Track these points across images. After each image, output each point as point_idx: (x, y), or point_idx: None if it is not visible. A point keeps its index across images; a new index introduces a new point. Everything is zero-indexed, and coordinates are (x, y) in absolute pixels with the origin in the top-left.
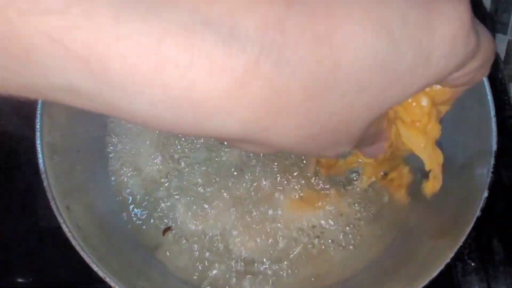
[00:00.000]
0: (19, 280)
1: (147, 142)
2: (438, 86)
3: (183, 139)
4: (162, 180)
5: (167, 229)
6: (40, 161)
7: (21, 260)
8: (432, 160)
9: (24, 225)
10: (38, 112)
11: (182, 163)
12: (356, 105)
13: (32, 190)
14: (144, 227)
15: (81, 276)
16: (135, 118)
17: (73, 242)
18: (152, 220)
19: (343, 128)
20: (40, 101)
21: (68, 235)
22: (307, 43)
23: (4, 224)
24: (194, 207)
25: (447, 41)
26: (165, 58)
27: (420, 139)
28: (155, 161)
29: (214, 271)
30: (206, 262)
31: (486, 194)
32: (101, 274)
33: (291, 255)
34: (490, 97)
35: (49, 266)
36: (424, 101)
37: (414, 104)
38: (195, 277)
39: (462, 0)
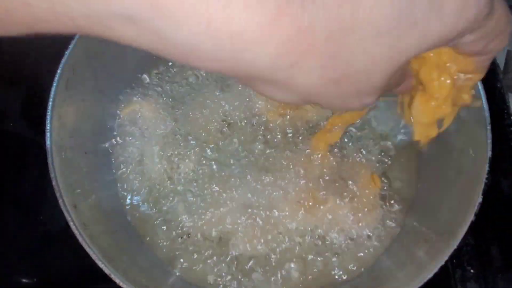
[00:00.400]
0: (24, 280)
1: (153, 142)
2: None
3: (189, 137)
4: (167, 181)
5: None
6: (50, 160)
7: (25, 261)
8: (424, 134)
9: (29, 226)
10: (48, 113)
11: (187, 165)
12: (374, 52)
13: (38, 191)
14: (148, 227)
15: (85, 276)
16: (179, 48)
17: (80, 239)
18: (156, 222)
19: (364, 76)
20: (50, 102)
21: (76, 232)
22: None
23: (9, 225)
24: (198, 208)
25: (458, 4)
26: None
27: (427, 115)
28: (160, 162)
29: (217, 272)
30: (210, 263)
31: (480, 199)
32: (106, 271)
33: (294, 258)
34: (485, 105)
35: (53, 267)
36: (447, 80)
37: (436, 82)
38: (200, 278)
39: None
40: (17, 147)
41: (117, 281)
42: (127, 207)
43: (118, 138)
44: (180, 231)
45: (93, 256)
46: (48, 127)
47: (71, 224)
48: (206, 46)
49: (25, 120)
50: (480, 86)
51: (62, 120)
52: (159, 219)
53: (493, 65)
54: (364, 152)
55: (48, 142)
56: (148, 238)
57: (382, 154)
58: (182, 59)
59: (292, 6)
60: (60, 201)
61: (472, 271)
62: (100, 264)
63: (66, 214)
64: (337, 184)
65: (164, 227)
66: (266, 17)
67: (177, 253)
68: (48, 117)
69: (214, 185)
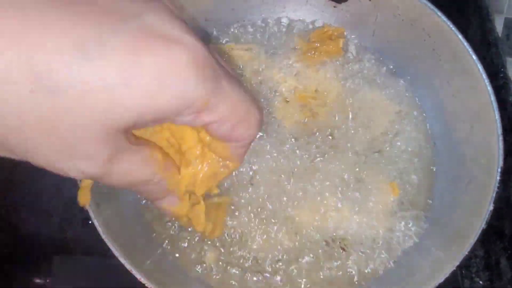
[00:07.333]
0: (37, 280)
1: None
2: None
3: None
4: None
5: None
6: None
7: (38, 261)
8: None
9: (46, 226)
10: None
11: None
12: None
13: (56, 193)
14: (168, 234)
15: (100, 277)
16: None
17: (103, 236)
18: (175, 227)
19: (56, 140)
20: None
21: (99, 229)
22: None
23: (26, 224)
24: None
25: (154, 77)
26: None
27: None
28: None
29: (232, 274)
30: (225, 265)
31: (491, 207)
32: (128, 267)
33: (306, 260)
34: (497, 116)
35: (66, 268)
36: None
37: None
38: (218, 280)
39: (187, 48)
40: None
41: (138, 276)
42: (147, 212)
43: None
44: (198, 237)
45: (116, 253)
46: None
47: (94, 221)
48: None
49: None
50: (492, 98)
51: None
52: (178, 227)
53: (505, 79)
54: (383, 160)
55: None
56: (168, 244)
57: (399, 163)
58: None
59: None
60: None
61: (481, 282)
62: (123, 260)
63: (90, 211)
64: (354, 190)
65: (184, 233)
66: None
67: (197, 257)
68: None
69: (232, 189)
